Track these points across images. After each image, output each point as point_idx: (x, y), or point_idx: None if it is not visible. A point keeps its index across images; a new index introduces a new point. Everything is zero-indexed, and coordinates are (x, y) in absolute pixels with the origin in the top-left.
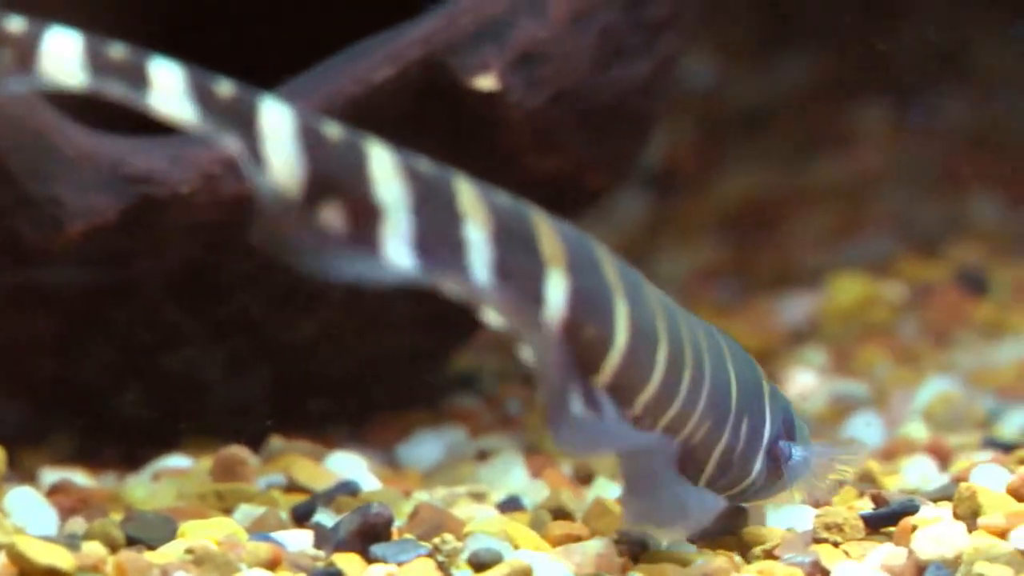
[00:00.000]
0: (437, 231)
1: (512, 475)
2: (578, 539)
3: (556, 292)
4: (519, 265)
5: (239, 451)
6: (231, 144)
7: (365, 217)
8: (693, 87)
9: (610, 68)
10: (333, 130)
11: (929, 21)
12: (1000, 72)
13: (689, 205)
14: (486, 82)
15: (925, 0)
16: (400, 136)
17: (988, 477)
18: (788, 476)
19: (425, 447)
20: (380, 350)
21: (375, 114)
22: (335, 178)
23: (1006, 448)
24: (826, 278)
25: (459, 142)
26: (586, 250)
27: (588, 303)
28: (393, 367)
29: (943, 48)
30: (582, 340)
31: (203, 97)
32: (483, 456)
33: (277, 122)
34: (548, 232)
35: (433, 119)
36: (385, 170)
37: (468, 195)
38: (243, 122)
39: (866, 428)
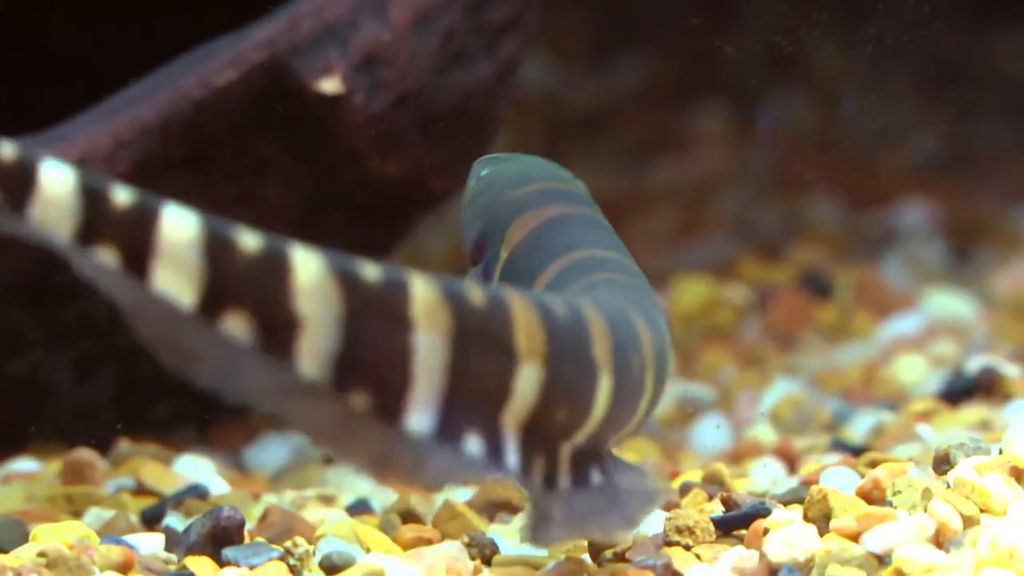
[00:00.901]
0: (374, 344)
1: (360, 478)
2: (429, 542)
3: (526, 385)
4: (480, 374)
5: (87, 454)
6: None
7: (280, 329)
8: (531, 90)
9: (452, 71)
10: (249, 240)
11: (767, 24)
12: (838, 75)
13: None
14: (329, 85)
15: (763, 3)
16: (244, 139)
17: (837, 480)
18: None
19: (271, 450)
20: None
21: (219, 117)
22: (243, 289)
23: (854, 451)
24: (669, 281)
25: (302, 145)
26: (574, 330)
27: (563, 392)
28: None
29: (781, 50)
30: (553, 422)
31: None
32: (329, 460)
33: (179, 233)
34: (526, 321)
35: (277, 122)
36: (310, 280)
37: (423, 297)
38: (141, 232)
39: (714, 431)
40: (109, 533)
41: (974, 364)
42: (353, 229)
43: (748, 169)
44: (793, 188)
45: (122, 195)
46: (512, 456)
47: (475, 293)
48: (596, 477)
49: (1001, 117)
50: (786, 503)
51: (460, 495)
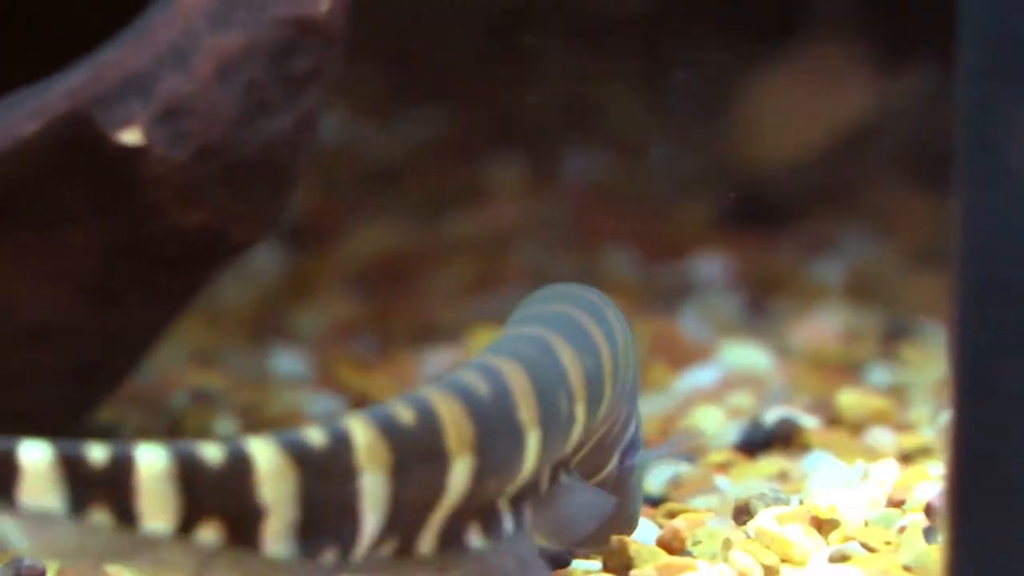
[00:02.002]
0: (329, 503)
1: None
2: None
3: (459, 478)
4: (418, 489)
5: None
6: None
7: (247, 523)
8: (326, 142)
9: (254, 122)
10: (213, 454)
11: (564, 75)
12: (632, 127)
13: (322, 260)
14: (130, 136)
15: (556, 55)
16: (47, 190)
17: (637, 530)
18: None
19: None
20: (21, 403)
21: (22, 168)
22: (215, 502)
23: (653, 502)
24: (465, 332)
25: (105, 196)
26: (498, 403)
27: (494, 467)
28: (34, 420)
29: (575, 102)
30: (484, 494)
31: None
32: None
33: (151, 469)
34: (453, 418)
35: (79, 173)
36: (269, 468)
37: (366, 441)
38: (120, 485)
39: None
40: None
41: (771, 415)
42: (154, 280)
43: (543, 221)
44: (590, 240)
45: (97, 453)
46: (426, 545)
47: (405, 414)
48: (509, 528)
49: (791, 170)
50: (587, 554)
51: None
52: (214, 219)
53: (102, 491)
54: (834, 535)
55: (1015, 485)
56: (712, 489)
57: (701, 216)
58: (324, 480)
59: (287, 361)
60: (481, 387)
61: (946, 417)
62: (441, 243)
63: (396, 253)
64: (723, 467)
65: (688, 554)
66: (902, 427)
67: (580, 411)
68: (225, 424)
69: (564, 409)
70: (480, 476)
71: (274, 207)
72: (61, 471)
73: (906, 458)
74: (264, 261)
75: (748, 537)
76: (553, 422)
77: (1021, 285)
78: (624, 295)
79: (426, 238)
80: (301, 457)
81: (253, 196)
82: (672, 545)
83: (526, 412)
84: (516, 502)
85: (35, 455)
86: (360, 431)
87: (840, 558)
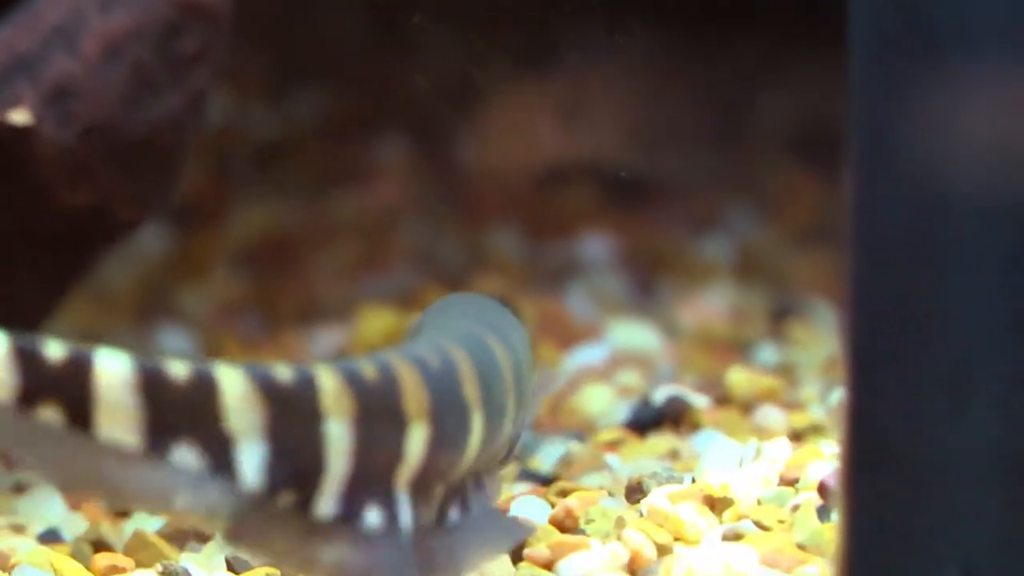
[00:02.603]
0: (295, 445)
1: (50, 507)
2: (123, 571)
3: (415, 445)
4: (379, 447)
5: None
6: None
7: (218, 448)
8: (211, 122)
9: (141, 103)
10: (178, 370)
11: (444, 57)
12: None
13: (208, 240)
14: (18, 116)
15: (440, 37)
16: None
17: (528, 509)
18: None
19: None
20: None
21: None
22: (184, 420)
23: (543, 480)
24: (353, 312)
25: None
26: (449, 378)
27: (446, 442)
28: None
29: (458, 84)
30: (437, 471)
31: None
32: (20, 489)
33: (113, 378)
34: (411, 383)
35: None
36: (237, 398)
37: (332, 387)
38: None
39: None
40: None
41: (661, 394)
42: (41, 260)
43: (429, 201)
44: (475, 220)
45: (55, 350)
46: (406, 516)
47: (368, 370)
48: (456, 515)
49: (680, 149)
50: None
51: (151, 524)
52: (100, 199)
53: (54, 389)
54: (727, 514)
55: (909, 463)
56: (603, 467)
57: (586, 195)
58: (290, 417)
59: (173, 340)
60: (434, 360)
61: (836, 396)
62: (327, 223)
63: (282, 232)
64: (613, 445)
65: (581, 532)
66: (792, 406)
67: (510, 402)
68: None
69: (500, 399)
70: (434, 449)
71: (161, 187)
72: (15, 361)
73: (797, 436)
74: (150, 240)
75: (641, 516)
76: (493, 409)
77: (912, 261)
78: (510, 274)
79: (312, 218)
80: (268, 390)
81: (140, 176)
82: (565, 524)
83: (471, 392)
84: (461, 491)
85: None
86: (326, 377)
87: (734, 537)
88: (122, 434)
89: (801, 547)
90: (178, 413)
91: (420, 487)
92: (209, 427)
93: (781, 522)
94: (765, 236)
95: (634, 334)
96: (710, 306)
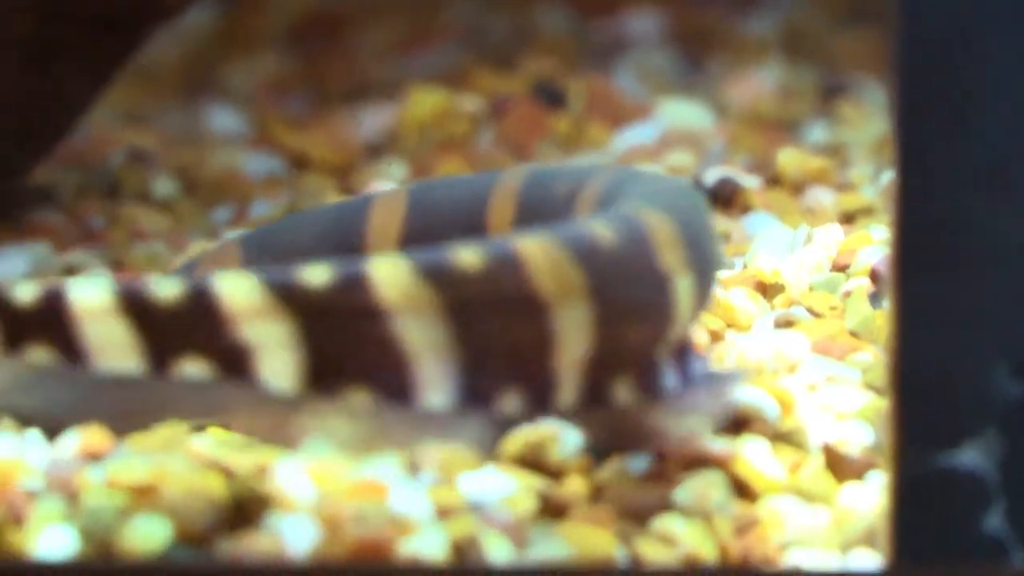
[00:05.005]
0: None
1: None
2: None
3: (571, 324)
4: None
5: None
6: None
7: (235, 358)
8: None
9: None
10: (165, 289)
11: None
12: None
13: (255, 17)
14: None
15: None
16: None
17: None
18: None
19: (10, 262)
20: None
21: None
22: (182, 336)
23: None
24: (401, 90)
25: None
26: (625, 249)
27: (627, 315)
28: None
29: None
30: (625, 345)
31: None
32: (70, 271)
33: (92, 304)
34: (550, 263)
35: None
36: (247, 305)
37: (395, 281)
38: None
39: None
40: None
41: (711, 175)
42: (89, 42)
43: None
44: None
45: (24, 292)
46: (567, 395)
47: (467, 257)
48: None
49: None
50: None
51: None
52: None
53: (36, 330)
54: (779, 299)
55: (957, 256)
56: None
57: None
58: (334, 323)
59: (222, 119)
60: (603, 232)
61: (886, 178)
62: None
63: (327, 9)
64: None
65: None
66: (842, 187)
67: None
68: (164, 184)
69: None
70: (609, 324)
71: None
72: None
73: (848, 219)
74: (198, 18)
75: None
76: (704, 271)
77: (957, 44)
78: (561, 52)
79: None
80: (292, 297)
81: None
82: None
83: (671, 256)
84: (680, 356)
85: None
86: (388, 270)
87: (785, 323)
88: (119, 360)
89: (853, 334)
90: (176, 332)
91: (606, 362)
92: (215, 341)
93: (833, 308)
94: (812, 14)
95: (684, 112)
96: (759, 84)
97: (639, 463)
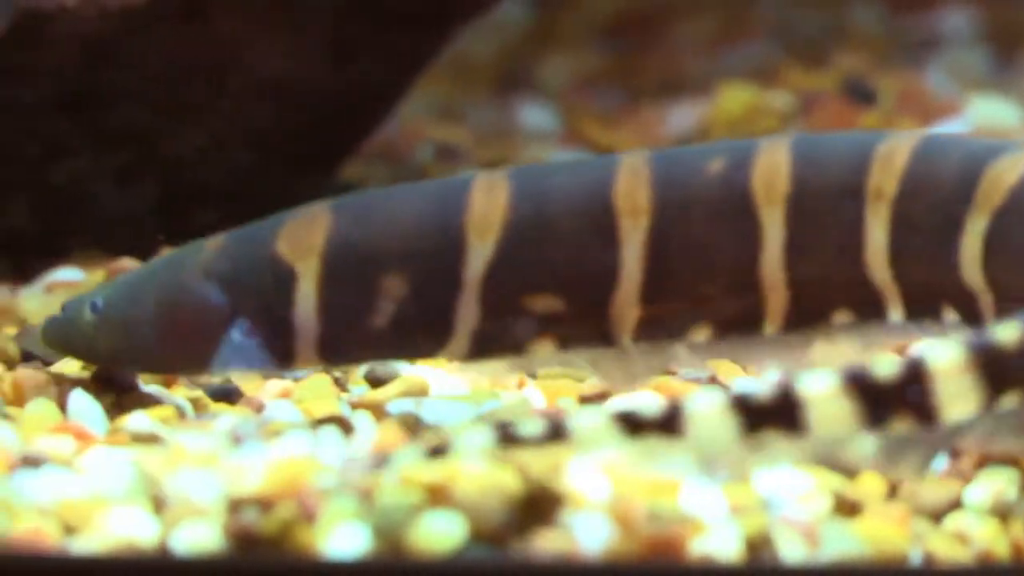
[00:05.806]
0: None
1: None
2: None
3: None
4: None
5: (129, 264)
6: None
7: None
8: None
9: None
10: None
11: None
12: None
13: (569, 12)
14: None
15: None
16: None
17: None
18: None
19: None
20: (267, 159)
21: None
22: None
23: None
24: (711, 86)
25: None
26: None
27: None
28: (280, 176)
29: None
30: None
31: None
32: None
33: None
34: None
35: None
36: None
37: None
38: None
39: None
40: None
41: None
42: (389, 38)
43: None
44: None
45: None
46: None
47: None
48: None
49: None
50: None
51: None
52: None
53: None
54: None
55: None
56: None
57: None
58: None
59: (533, 114)
60: None
61: None
62: None
63: (641, 5)
64: None
65: None
66: None
67: None
68: None
69: None
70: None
71: None
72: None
73: None
74: (512, 12)
75: None
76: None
77: None
78: (870, 49)
79: None
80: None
81: None
82: None
83: None
84: None
85: (823, 384)
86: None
87: None
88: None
89: None
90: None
91: None
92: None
93: None
94: None
95: (995, 110)
96: None
97: (939, 462)
